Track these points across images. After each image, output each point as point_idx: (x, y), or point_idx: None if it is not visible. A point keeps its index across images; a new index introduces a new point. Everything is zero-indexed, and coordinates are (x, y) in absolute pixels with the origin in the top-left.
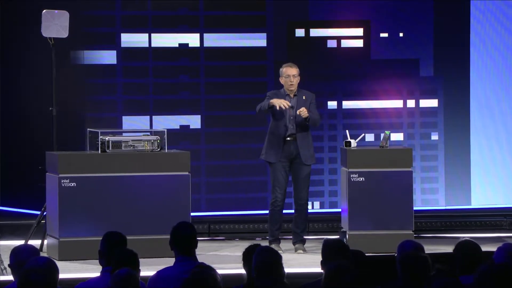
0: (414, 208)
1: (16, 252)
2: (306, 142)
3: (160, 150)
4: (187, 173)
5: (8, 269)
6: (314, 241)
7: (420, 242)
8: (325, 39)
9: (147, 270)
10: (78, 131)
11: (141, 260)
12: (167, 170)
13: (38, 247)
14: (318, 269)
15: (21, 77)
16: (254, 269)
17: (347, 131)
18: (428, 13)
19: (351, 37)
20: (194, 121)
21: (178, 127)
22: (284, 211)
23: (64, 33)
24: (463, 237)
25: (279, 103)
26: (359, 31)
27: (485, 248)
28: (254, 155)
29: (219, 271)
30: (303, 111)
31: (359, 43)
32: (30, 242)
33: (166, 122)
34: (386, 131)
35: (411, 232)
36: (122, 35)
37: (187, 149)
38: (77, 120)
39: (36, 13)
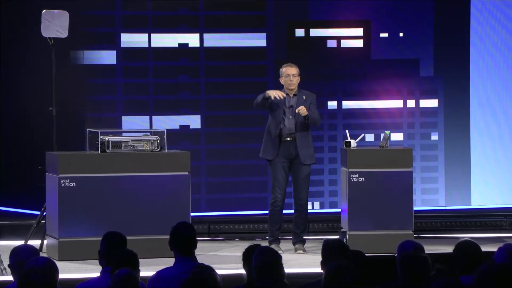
0: (414, 208)
1: (16, 252)
2: (305, 142)
3: (160, 150)
4: (187, 173)
5: (8, 269)
6: (314, 241)
7: (420, 242)
8: (325, 39)
9: (147, 270)
10: (78, 131)
11: (141, 260)
12: (167, 170)
13: (38, 247)
14: (318, 269)
15: (21, 77)
16: (254, 269)
17: (347, 131)
18: (428, 13)
19: (351, 37)
20: (194, 121)
21: (178, 127)
22: (284, 211)
23: (64, 33)
24: (463, 237)
25: (274, 93)
26: (359, 31)
27: (485, 248)
28: (254, 155)
29: (219, 271)
30: (302, 109)
31: (359, 43)
32: (30, 242)
33: (166, 122)
34: (386, 131)
35: (411, 232)
36: (122, 35)
37: (187, 149)
38: (77, 120)
39: (36, 13)
